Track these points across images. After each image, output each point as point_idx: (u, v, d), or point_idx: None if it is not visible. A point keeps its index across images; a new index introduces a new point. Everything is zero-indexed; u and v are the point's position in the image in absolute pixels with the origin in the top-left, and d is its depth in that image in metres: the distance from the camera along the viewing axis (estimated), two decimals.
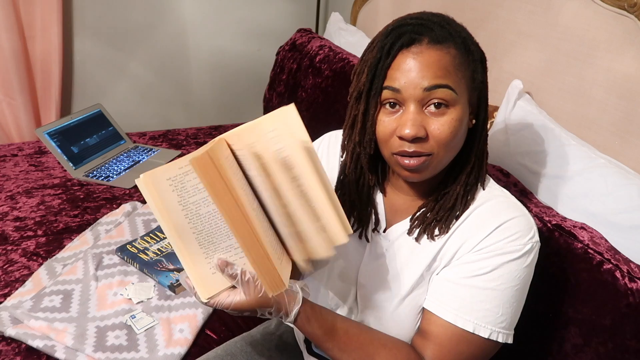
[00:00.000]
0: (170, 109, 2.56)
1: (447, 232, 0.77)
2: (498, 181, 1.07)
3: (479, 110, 0.75)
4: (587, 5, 1.10)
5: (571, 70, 1.15)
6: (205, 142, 2.05)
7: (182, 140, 2.07)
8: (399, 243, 0.81)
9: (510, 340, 0.74)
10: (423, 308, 0.78)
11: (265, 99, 2.19)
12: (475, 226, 0.75)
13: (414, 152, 0.70)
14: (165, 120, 2.54)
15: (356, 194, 0.83)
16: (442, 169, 0.76)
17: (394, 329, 0.79)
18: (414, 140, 0.70)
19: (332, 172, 0.89)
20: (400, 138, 0.71)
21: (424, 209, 0.79)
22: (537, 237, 0.75)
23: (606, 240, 0.89)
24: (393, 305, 0.79)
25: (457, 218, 0.77)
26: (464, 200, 0.77)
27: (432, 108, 0.69)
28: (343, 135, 0.81)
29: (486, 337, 0.72)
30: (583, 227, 0.91)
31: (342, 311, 0.87)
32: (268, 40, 2.50)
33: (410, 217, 0.80)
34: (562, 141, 1.07)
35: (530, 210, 0.96)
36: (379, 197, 0.86)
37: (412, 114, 0.69)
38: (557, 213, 0.98)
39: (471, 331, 0.72)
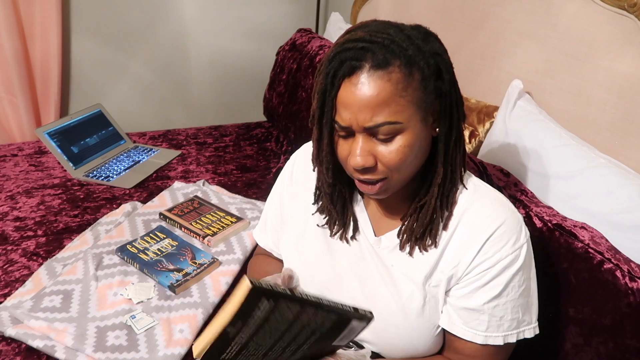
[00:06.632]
0: (170, 109, 2.56)
1: (436, 244, 0.78)
2: (498, 181, 1.07)
3: (444, 117, 0.72)
4: (587, 5, 1.10)
5: (571, 70, 1.15)
6: (205, 142, 2.05)
7: (182, 140, 2.07)
8: (393, 255, 0.81)
9: (536, 332, 0.79)
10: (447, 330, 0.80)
11: (265, 99, 2.19)
12: (468, 235, 0.76)
13: (366, 180, 0.72)
14: (165, 120, 2.54)
15: (331, 204, 0.84)
16: (409, 178, 0.76)
17: (410, 342, 0.80)
18: (363, 170, 0.71)
19: (311, 184, 0.90)
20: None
21: (407, 223, 0.80)
22: (526, 229, 0.77)
23: (607, 240, 0.89)
24: (402, 319, 0.79)
25: (445, 226, 0.78)
26: (443, 212, 0.77)
27: (380, 136, 0.69)
28: (312, 148, 0.80)
29: (515, 341, 0.77)
30: (583, 227, 0.91)
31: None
32: (268, 40, 2.50)
33: (397, 231, 0.81)
34: (562, 141, 1.07)
35: (530, 210, 0.97)
36: (360, 204, 0.87)
37: (360, 143, 0.70)
38: (558, 213, 0.98)
39: (502, 344, 0.77)
